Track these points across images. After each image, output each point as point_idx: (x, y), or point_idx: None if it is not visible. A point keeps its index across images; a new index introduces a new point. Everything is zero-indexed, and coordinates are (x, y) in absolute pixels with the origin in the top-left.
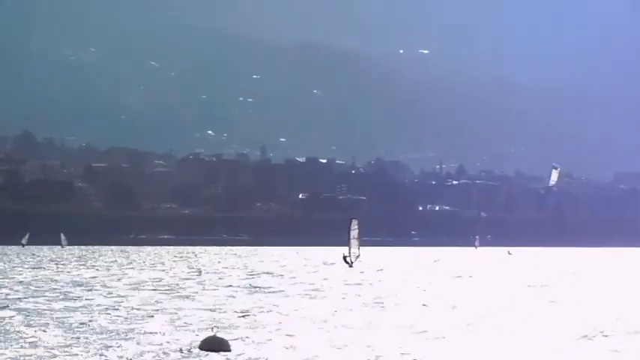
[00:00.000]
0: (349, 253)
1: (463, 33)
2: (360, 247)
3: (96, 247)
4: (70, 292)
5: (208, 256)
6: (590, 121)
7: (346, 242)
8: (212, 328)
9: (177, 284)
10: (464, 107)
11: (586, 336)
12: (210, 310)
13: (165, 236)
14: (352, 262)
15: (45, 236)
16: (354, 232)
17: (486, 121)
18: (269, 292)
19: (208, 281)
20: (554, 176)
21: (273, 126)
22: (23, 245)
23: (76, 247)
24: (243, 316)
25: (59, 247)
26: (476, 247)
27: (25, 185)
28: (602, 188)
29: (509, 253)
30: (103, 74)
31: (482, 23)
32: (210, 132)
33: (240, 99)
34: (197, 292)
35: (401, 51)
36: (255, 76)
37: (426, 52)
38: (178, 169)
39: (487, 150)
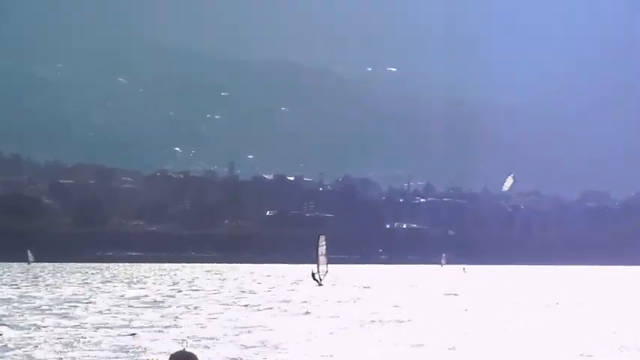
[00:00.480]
0: (317, 270)
1: (431, 51)
2: (328, 264)
3: (65, 263)
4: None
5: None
6: (558, 139)
7: (314, 259)
8: (181, 342)
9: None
10: (432, 125)
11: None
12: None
13: (133, 253)
14: (321, 280)
15: (11, 253)
16: (322, 249)
17: (454, 138)
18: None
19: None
20: (508, 183)
21: (240, 143)
22: None
23: (45, 263)
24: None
25: (25, 263)
26: (442, 264)
27: None
28: (569, 206)
29: (464, 271)
30: (71, 90)
31: (451, 41)
32: (177, 149)
33: (208, 116)
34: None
35: (369, 69)
36: (223, 93)
37: (394, 69)
38: (146, 185)
39: (455, 168)
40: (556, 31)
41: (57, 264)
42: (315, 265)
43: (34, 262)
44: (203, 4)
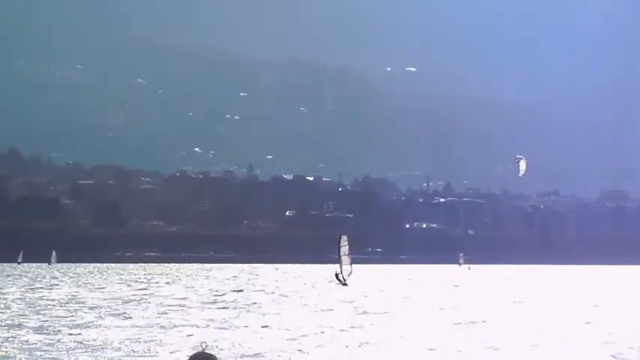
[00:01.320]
0: (341, 270)
1: (451, 51)
2: (352, 264)
3: (85, 264)
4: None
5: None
6: (577, 139)
7: (336, 259)
8: (200, 344)
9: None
10: (451, 125)
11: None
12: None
13: (152, 253)
14: (345, 280)
15: (31, 254)
16: (344, 249)
17: (473, 138)
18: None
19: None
20: (523, 166)
21: (259, 143)
22: (19, 263)
23: (65, 264)
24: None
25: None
26: (460, 264)
27: (10, 202)
28: (588, 206)
29: (469, 269)
30: (90, 92)
31: (472, 41)
32: (197, 149)
33: (227, 116)
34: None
35: (388, 68)
36: (242, 94)
37: (413, 69)
38: (165, 186)
39: (474, 168)
40: (577, 30)
41: (82, 264)
42: (338, 266)
43: (55, 263)
44: (222, 3)
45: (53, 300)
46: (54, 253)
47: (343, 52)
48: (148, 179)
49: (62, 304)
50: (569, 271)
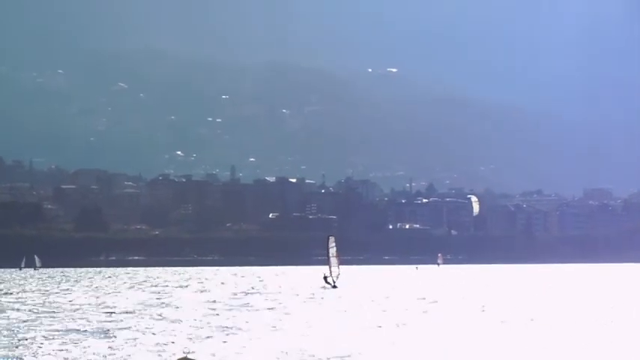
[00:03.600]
0: (330, 272)
1: (432, 51)
2: (340, 266)
3: (69, 268)
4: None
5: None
6: (560, 139)
7: (319, 261)
8: (183, 351)
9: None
10: (433, 126)
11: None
12: None
13: (136, 257)
14: (335, 282)
15: (14, 259)
16: (333, 250)
17: (456, 139)
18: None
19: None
20: (476, 207)
21: (242, 146)
22: (20, 268)
23: (50, 269)
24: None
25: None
26: (439, 264)
27: None
28: (571, 205)
29: (417, 269)
30: (72, 96)
31: (453, 42)
32: (179, 153)
33: (209, 119)
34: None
35: (370, 70)
36: (223, 97)
37: (394, 70)
38: (148, 190)
39: (457, 168)
40: (558, 30)
41: (62, 268)
42: (327, 268)
43: (40, 267)
44: (202, 9)
45: (82, 305)
46: (36, 257)
47: (324, 54)
48: (130, 183)
49: (98, 310)
50: (552, 270)
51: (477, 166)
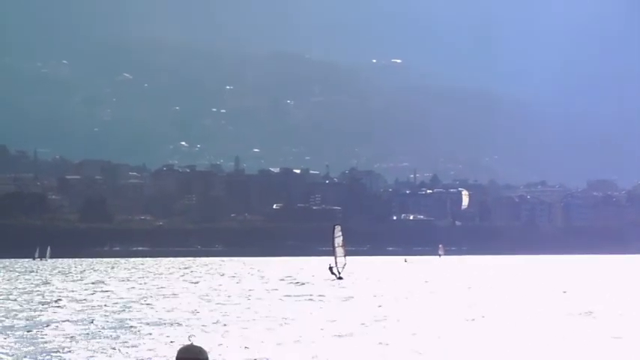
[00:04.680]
0: (335, 263)
1: (436, 42)
2: (346, 256)
3: (77, 259)
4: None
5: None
6: (564, 130)
7: (322, 252)
8: (189, 337)
9: None
10: (437, 116)
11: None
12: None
13: (140, 248)
14: (340, 273)
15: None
16: (339, 240)
17: (460, 130)
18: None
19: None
20: (465, 201)
21: (246, 137)
22: (34, 258)
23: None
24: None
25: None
26: (439, 255)
27: None
28: (575, 196)
29: (406, 261)
30: (76, 86)
31: (456, 33)
32: (183, 143)
33: (214, 110)
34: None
35: (374, 60)
36: (228, 87)
37: (399, 61)
38: (152, 180)
39: (461, 159)
40: (565, 23)
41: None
42: (333, 259)
43: (50, 258)
44: (207, 0)
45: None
46: (49, 248)
47: (328, 45)
48: (134, 174)
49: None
50: (557, 261)
51: (482, 157)
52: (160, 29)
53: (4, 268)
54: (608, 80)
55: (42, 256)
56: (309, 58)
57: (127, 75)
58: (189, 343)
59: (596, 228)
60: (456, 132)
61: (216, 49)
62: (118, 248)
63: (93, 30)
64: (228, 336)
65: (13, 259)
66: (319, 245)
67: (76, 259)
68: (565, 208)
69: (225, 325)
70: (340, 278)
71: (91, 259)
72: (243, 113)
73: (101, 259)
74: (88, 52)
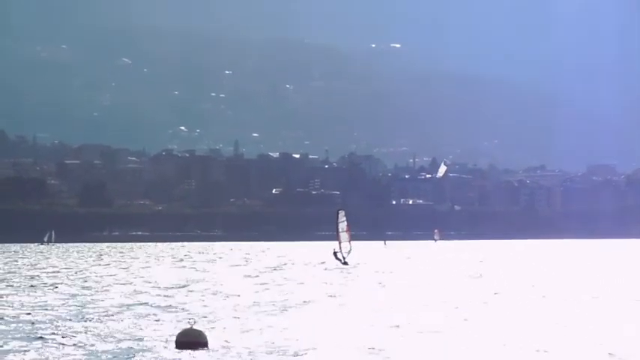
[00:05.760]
0: (340, 248)
1: (435, 26)
2: (351, 241)
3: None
4: None
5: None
6: (563, 114)
7: (321, 236)
8: (189, 321)
9: None
10: (437, 101)
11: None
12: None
13: (139, 232)
14: (345, 259)
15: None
16: (343, 225)
17: (460, 114)
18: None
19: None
20: (442, 170)
21: (245, 121)
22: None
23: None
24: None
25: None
26: (435, 240)
27: None
28: (575, 180)
29: (385, 245)
30: (75, 71)
31: (456, 17)
32: (182, 128)
33: (213, 94)
34: None
35: (373, 45)
36: (227, 72)
37: (398, 45)
38: (151, 165)
39: (460, 144)
40: (561, 6)
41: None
42: (337, 244)
43: (52, 243)
44: None
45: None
46: (53, 232)
47: (327, 30)
48: (134, 158)
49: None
50: (556, 246)
51: (481, 141)
52: (160, 14)
53: (15, 252)
54: (609, 65)
55: (49, 241)
56: (309, 42)
57: (127, 60)
58: (189, 326)
59: (596, 212)
60: (456, 117)
61: (216, 34)
62: (117, 233)
63: (92, 14)
64: (228, 321)
65: (21, 244)
66: (318, 230)
67: (70, 244)
68: (564, 192)
69: (225, 310)
70: (345, 264)
71: (102, 244)
72: (242, 98)
73: (101, 243)
74: (88, 37)
